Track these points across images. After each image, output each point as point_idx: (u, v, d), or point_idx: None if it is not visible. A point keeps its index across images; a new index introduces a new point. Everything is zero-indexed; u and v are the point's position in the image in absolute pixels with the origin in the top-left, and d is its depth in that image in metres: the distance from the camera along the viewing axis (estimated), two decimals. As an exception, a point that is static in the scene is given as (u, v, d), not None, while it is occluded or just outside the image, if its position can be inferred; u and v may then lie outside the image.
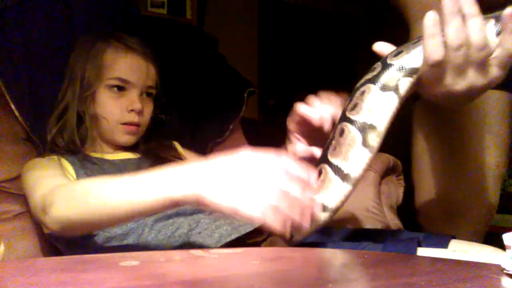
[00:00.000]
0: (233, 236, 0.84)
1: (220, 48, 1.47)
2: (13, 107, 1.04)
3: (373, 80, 0.69)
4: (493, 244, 0.74)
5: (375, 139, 0.67)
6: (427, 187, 1.06)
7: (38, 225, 0.95)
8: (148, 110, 1.03)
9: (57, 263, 0.48)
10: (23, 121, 1.04)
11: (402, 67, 0.67)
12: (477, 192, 1.05)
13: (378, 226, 1.18)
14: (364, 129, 0.67)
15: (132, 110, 0.99)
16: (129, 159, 1.02)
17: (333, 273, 0.48)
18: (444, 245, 0.73)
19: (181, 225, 0.87)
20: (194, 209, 0.92)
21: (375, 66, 0.71)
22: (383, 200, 1.23)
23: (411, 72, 0.67)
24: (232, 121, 1.34)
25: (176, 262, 0.48)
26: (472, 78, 0.65)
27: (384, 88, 0.67)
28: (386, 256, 0.62)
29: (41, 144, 1.04)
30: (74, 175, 0.92)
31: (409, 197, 1.17)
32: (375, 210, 1.20)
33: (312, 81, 3.79)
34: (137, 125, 1.00)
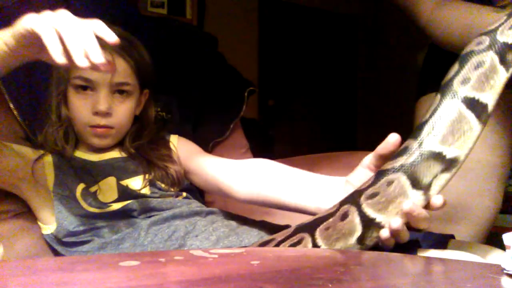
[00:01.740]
0: (231, 238, 0.83)
1: (220, 48, 1.47)
2: (11, 106, 1.04)
3: (405, 169, 0.59)
4: (493, 244, 0.74)
5: (372, 239, 0.61)
6: None
7: (37, 225, 0.95)
8: (122, 109, 0.95)
9: (57, 263, 0.48)
10: (21, 121, 1.04)
11: (442, 157, 0.58)
12: (480, 192, 1.05)
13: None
14: (368, 225, 0.60)
15: (96, 113, 0.92)
16: (115, 158, 0.98)
17: (333, 273, 0.48)
18: (443, 245, 0.73)
19: (178, 228, 0.86)
20: (190, 211, 0.91)
21: (407, 145, 0.61)
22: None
23: (453, 163, 0.59)
24: (232, 120, 1.34)
25: (176, 262, 0.48)
26: None
27: (415, 184, 0.58)
28: (386, 256, 0.62)
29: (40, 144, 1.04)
30: (53, 175, 0.92)
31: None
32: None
33: (312, 81, 3.79)
34: (106, 127, 0.94)
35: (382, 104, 3.78)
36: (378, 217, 0.59)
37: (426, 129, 0.60)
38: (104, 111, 0.91)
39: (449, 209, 1.05)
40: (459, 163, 0.59)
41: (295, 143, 3.48)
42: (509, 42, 0.60)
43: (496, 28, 0.61)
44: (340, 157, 1.21)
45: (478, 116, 0.59)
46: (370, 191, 0.60)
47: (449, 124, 0.58)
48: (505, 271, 0.46)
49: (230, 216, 0.94)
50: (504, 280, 0.45)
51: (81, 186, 0.91)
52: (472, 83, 0.59)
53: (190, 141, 1.09)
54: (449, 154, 0.58)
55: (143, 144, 1.01)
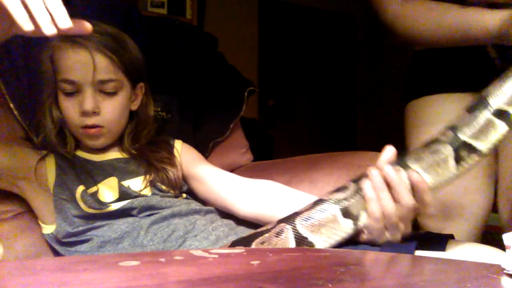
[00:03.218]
0: (230, 238, 0.83)
1: (220, 48, 1.47)
2: (12, 106, 1.04)
3: (339, 202, 0.69)
4: (493, 244, 0.74)
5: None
6: None
7: (37, 225, 0.95)
8: (110, 106, 0.92)
9: (57, 263, 0.48)
10: (22, 121, 1.04)
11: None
12: (472, 190, 1.06)
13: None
14: (300, 243, 0.68)
15: (84, 113, 0.90)
16: (117, 159, 0.98)
17: (333, 273, 0.48)
18: (442, 245, 0.73)
19: (177, 227, 0.86)
20: (189, 209, 0.91)
21: (346, 185, 0.72)
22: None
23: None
24: (232, 120, 1.34)
25: (176, 262, 0.48)
26: None
27: (346, 215, 0.69)
28: (386, 256, 0.62)
29: (41, 144, 1.04)
30: (54, 176, 0.91)
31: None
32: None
33: (312, 81, 3.79)
34: (96, 127, 0.92)
35: (382, 104, 3.78)
36: (310, 237, 0.68)
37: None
38: (90, 110, 0.89)
39: (443, 207, 1.07)
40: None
41: (295, 143, 3.48)
42: (466, 141, 0.68)
43: (461, 125, 0.70)
44: (340, 157, 1.21)
45: None
46: (305, 214, 0.69)
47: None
48: (505, 271, 0.46)
49: (229, 215, 0.95)
50: (504, 280, 0.45)
51: (81, 188, 0.90)
52: (423, 164, 0.69)
53: (194, 149, 1.09)
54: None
55: (143, 146, 1.00)
